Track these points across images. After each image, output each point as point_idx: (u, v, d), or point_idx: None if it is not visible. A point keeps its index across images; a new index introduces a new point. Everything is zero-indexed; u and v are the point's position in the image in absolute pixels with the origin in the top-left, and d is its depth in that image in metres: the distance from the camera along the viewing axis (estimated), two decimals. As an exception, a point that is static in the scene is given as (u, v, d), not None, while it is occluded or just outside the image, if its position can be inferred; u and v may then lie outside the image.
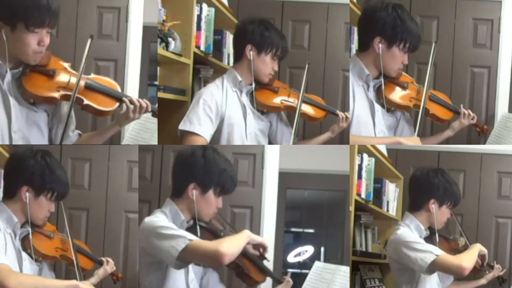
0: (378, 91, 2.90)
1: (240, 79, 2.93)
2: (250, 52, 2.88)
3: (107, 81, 2.59)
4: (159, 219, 2.46)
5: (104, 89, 2.53)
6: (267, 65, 2.90)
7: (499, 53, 4.35)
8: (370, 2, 2.85)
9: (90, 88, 2.50)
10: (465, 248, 3.01)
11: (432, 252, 2.78)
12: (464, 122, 3.00)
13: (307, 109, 3.03)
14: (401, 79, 2.91)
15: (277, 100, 2.98)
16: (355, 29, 4.16)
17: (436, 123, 3.11)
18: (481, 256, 2.97)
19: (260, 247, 2.58)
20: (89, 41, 2.48)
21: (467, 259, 2.81)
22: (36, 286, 2.32)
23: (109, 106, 2.54)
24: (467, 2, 4.37)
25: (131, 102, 2.53)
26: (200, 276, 2.67)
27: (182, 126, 2.84)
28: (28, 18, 2.33)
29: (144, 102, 2.55)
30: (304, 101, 3.00)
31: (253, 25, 2.90)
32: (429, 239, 2.99)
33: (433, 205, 2.95)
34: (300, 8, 4.41)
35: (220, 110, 2.87)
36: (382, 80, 2.86)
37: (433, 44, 2.92)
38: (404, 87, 2.90)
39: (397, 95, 2.90)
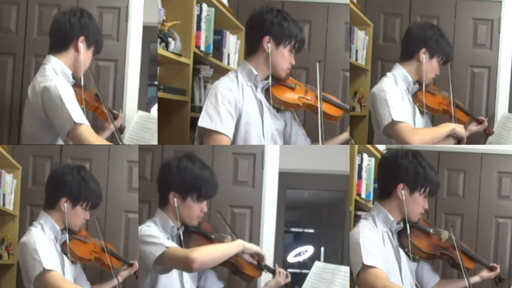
0: (414, 95, 3.15)
1: (255, 73, 2.73)
2: (268, 45, 2.71)
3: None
4: (149, 228, 2.61)
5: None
6: (285, 58, 2.74)
7: (499, 53, 4.35)
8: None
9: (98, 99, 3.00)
10: (450, 242, 2.79)
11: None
12: (479, 128, 3.22)
13: (326, 107, 2.87)
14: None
15: (295, 97, 2.82)
16: (355, 29, 4.18)
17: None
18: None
19: (256, 256, 2.67)
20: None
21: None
22: None
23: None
24: (467, 2, 4.37)
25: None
26: (197, 277, 2.80)
27: (202, 123, 2.66)
28: (100, 45, 2.94)
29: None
30: (323, 100, 2.85)
31: (271, 14, 2.72)
32: (403, 233, 2.74)
33: (402, 191, 2.70)
34: (300, 8, 4.41)
35: (238, 106, 2.68)
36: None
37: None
38: (434, 94, 3.17)
39: (429, 99, 3.15)
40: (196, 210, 2.67)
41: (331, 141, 3.01)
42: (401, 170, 2.72)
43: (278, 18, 2.73)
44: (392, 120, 2.94)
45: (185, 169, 2.65)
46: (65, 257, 2.86)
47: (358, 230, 2.69)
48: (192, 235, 2.70)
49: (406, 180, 2.71)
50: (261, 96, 2.77)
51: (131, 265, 3.22)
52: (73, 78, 2.89)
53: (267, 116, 2.77)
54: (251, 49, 2.78)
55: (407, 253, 2.74)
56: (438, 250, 2.79)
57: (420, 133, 2.99)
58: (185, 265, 2.45)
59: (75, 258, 2.89)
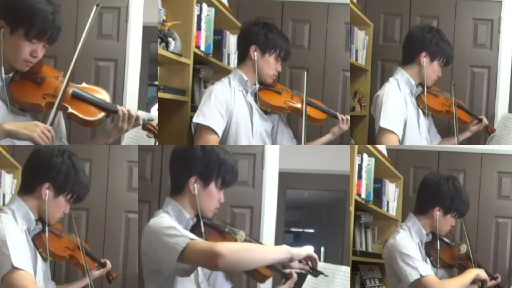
0: (418, 98, 3.28)
1: (246, 78, 3.00)
2: (254, 53, 2.97)
3: (97, 91, 2.56)
4: (164, 219, 2.32)
5: (91, 98, 2.50)
6: (270, 66, 3.00)
7: (499, 53, 4.35)
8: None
9: (76, 96, 2.47)
10: (467, 255, 3.00)
11: (418, 271, 2.79)
12: (479, 127, 3.44)
13: (310, 111, 3.11)
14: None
15: (281, 101, 3.06)
16: (355, 29, 4.18)
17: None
18: (481, 281, 2.92)
19: (308, 259, 2.36)
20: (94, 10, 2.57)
21: (453, 287, 2.82)
22: None
23: (94, 115, 2.48)
24: (467, 2, 4.37)
25: (120, 111, 2.51)
26: (207, 275, 2.52)
27: (196, 119, 2.91)
28: (31, 27, 2.36)
29: (134, 112, 2.53)
30: (308, 104, 3.09)
31: (257, 26, 3.00)
32: (430, 244, 2.98)
33: (437, 213, 2.95)
34: (300, 8, 4.41)
35: (229, 108, 2.94)
36: None
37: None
38: (437, 96, 3.31)
39: (432, 101, 3.29)
40: (215, 199, 2.42)
41: (314, 143, 3.25)
42: (441, 195, 2.96)
43: (263, 29, 2.99)
44: (380, 127, 3.15)
45: (211, 152, 2.41)
46: (37, 252, 2.43)
47: (397, 242, 2.92)
48: (204, 228, 2.41)
49: (443, 205, 2.95)
50: (251, 99, 3.03)
51: (103, 265, 2.99)
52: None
53: (256, 118, 3.02)
54: (241, 57, 3.06)
55: (432, 262, 2.97)
56: (457, 261, 3.01)
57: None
58: (210, 260, 2.13)
59: (49, 254, 2.48)
